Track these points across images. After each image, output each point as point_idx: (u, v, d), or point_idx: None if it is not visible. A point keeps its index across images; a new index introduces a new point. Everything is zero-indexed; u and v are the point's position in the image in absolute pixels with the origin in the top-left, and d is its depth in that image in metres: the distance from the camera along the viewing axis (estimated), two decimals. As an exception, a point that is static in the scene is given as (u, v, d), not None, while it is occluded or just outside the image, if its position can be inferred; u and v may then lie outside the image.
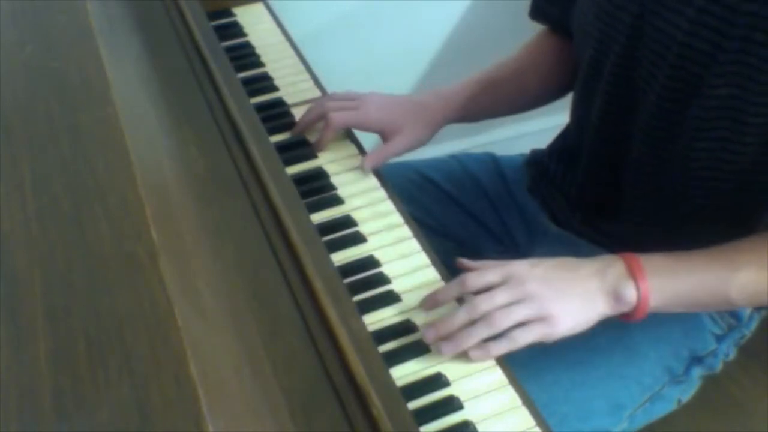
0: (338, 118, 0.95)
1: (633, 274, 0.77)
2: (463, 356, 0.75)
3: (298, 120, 0.99)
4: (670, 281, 0.78)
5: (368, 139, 0.99)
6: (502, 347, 0.74)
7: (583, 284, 0.77)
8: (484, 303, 0.74)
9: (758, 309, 0.99)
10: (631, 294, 0.76)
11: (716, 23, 0.77)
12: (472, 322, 0.74)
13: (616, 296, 0.76)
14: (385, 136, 0.98)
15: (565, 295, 0.75)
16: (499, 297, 0.74)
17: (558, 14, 1.02)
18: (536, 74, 1.06)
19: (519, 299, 0.74)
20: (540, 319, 0.74)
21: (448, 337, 0.74)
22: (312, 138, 0.98)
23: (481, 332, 0.74)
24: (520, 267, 0.77)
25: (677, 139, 0.85)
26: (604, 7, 0.87)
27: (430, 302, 0.78)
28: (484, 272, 0.77)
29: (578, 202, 1.04)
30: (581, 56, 0.95)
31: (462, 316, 0.74)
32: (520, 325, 0.74)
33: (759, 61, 0.75)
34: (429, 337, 0.75)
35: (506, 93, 1.05)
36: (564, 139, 1.09)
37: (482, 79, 1.04)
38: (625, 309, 0.77)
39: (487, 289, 0.76)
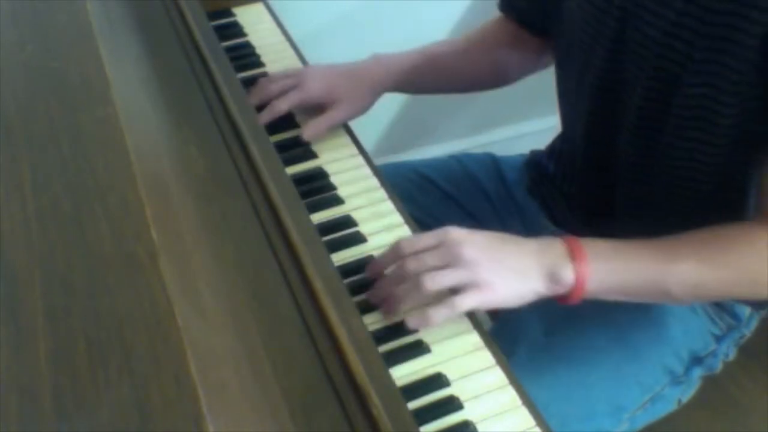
0: (280, 105, 0.96)
1: (572, 256, 0.76)
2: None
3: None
4: (609, 266, 0.77)
5: (368, 139, 0.99)
6: (441, 314, 0.73)
7: (520, 259, 0.76)
8: (413, 263, 0.74)
9: (758, 309, 0.99)
10: (568, 276, 0.75)
11: (694, 24, 0.77)
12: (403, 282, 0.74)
13: (553, 276, 0.76)
14: (326, 107, 0.98)
15: (500, 265, 0.75)
16: (429, 259, 0.74)
17: (525, 8, 1.02)
18: (483, 57, 1.07)
19: (450, 263, 0.74)
20: (473, 285, 0.73)
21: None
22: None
23: (411, 295, 0.73)
24: (456, 232, 0.76)
25: (660, 140, 0.85)
26: (590, 13, 0.88)
27: (370, 270, 0.78)
28: (420, 236, 0.77)
29: (577, 203, 1.04)
30: (570, 61, 0.95)
31: (391, 277, 0.75)
32: (458, 291, 0.74)
33: (733, 60, 0.75)
34: (372, 298, 0.77)
35: (449, 69, 1.06)
36: (562, 140, 1.09)
37: (427, 51, 1.04)
38: (561, 291, 0.76)
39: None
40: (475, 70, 1.07)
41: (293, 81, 0.98)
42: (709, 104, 0.79)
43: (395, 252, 0.77)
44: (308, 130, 0.95)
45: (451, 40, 1.08)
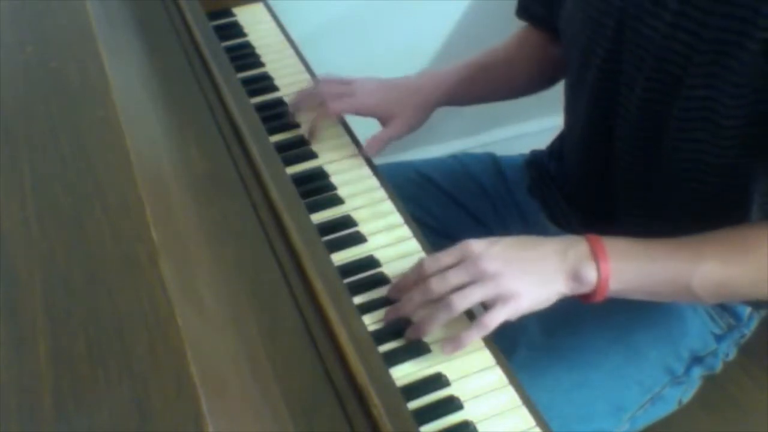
0: (335, 106, 0.96)
1: (595, 255, 0.76)
2: (459, 354, 0.74)
3: (290, 102, 1.00)
4: (632, 265, 0.77)
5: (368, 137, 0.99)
6: (472, 334, 0.74)
7: (542, 263, 0.76)
8: (438, 284, 0.74)
9: (758, 308, 0.99)
10: (591, 275, 0.76)
11: (691, 26, 0.77)
12: (429, 303, 0.75)
13: (576, 276, 0.76)
14: (381, 121, 0.98)
15: (523, 273, 0.75)
16: (453, 278, 0.74)
17: (542, 13, 1.03)
18: (523, 63, 1.07)
19: (474, 279, 0.74)
20: (500, 298, 0.74)
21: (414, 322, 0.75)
22: (303, 128, 0.99)
23: (441, 316, 0.74)
24: (476, 246, 0.76)
25: (661, 142, 0.85)
26: (589, 14, 0.88)
27: (393, 292, 0.78)
28: (440, 255, 0.77)
29: (577, 203, 1.04)
30: (570, 61, 0.95)
31: (417, 298, 0.75)
32: (486, 307, 0.74)
33: (734, 62, 0.75)
34: (388, 317, 0.76)
35: (495, 79, 1.06)
36: (562, 140, 1.09)
37: (472, 63, 1.05)
38: (584, 290, 0.77)
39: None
40: (517, 78, 1.08)
41: (347, 89, 0.98)
42: (712, 105, 0.78)
43: (418, 273, 0.76)
44: (370, 148, 0.95)
45: (493, 49, 1.08)
